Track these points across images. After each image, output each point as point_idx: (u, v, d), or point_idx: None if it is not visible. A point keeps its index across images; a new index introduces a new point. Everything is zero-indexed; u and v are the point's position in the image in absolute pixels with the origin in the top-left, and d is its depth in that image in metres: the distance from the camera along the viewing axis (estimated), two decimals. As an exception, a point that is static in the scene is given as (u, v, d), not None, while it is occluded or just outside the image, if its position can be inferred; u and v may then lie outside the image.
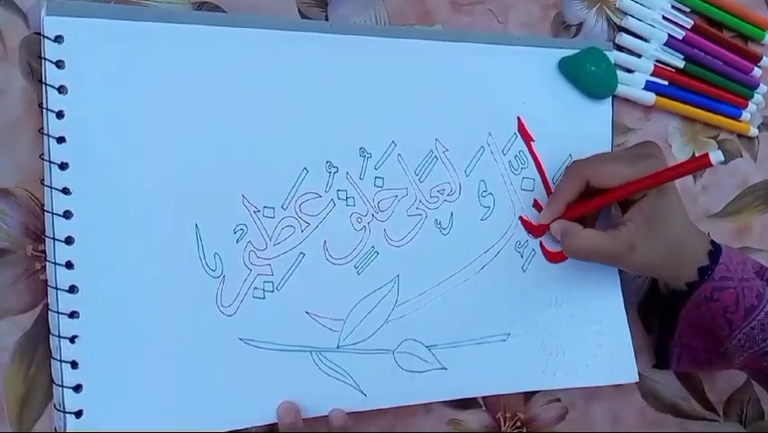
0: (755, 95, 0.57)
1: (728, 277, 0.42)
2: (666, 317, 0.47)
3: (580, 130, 0.45)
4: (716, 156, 0.37)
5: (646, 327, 0.51)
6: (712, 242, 0.44)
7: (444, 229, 0.43)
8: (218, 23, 0.38)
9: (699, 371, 0.51)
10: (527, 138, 0.46)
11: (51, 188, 0.34)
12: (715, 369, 0.51)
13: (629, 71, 0.51)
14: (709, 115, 0.54)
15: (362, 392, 0.40)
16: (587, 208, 0.43)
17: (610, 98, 0.49)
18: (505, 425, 0.46)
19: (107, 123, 0.35)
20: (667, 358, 0.48)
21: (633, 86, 0.51)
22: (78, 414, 0.34)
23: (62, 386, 0.34)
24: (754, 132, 0.57)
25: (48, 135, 0.34)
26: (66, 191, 0.34)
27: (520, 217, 0.45)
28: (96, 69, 0.35)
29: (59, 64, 0.34)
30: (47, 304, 0.35)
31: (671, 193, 0.42)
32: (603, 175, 0.42)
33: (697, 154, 0.54)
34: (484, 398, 0.46)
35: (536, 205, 0.46)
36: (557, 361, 0.45)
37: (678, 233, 0.42)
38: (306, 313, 0.39)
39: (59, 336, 0.34)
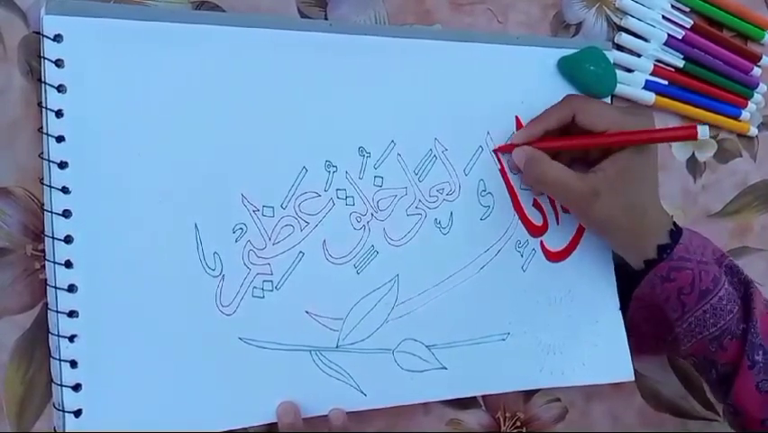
0: (755, 94, 0.57)
1: (687, 258, 0.42)
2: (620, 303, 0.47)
3: (580, 129, 0.45)
4: (702, 131, 0.38)
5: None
6: (674, 223, 0.44)
7: (444, 229, 0.43)
8: (218, 23, 0.38)
9: (643, 358, 0.50)
10: (527, 137, 0.46)
11: (51, 187, 0.34)
12: (660, 355, 0.51)
13: (629, 71, 0.51)
14: (709, 114, 0.54)
15: (362, 392, 0.40)
16: (563, 144, 0.43)
17: (610, 98, 0.49)
18: (504, 425, 0.46)
19: (107, 122, 0.35)
20: None
21: (632, 85, 0.51)
22: (78, 413, 0.34)
23: (61, 385, 0.34)
24: (753, 131, 0.57)
25: (47, 134, 0.34)
26: (65, 190, 0.34)
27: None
28: (95, 68, 0.35)
29: (59, 63, 0.34)
30: (46, 303, 0.35)
31: (649, 155, 0.42)
32: (591, 112, 0.42)
33: (697, 154, 0.55)
34: (484, 398, 0.46)
35: (536, 204, 0.46)
36: (554, 360, 0.45)
37: (645, 196, 0.42)
38: (306, 312, 0.39)
39: (59, 336, 0.34)
